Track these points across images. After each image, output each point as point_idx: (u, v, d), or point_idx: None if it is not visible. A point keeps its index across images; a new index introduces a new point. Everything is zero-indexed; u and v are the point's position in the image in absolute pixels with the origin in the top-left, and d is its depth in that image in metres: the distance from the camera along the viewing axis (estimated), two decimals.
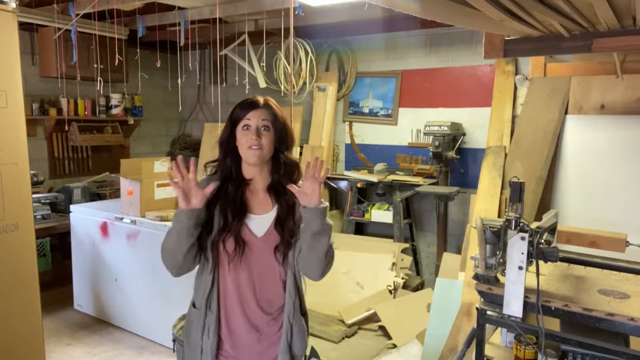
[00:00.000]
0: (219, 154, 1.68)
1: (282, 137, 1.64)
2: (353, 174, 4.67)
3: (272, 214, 1.64)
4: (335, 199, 5.08)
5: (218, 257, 1.62)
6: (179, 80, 4.40)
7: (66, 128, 4.76)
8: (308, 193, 1.51)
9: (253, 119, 1.59)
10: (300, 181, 1.68)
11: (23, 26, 4.26)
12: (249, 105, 1.62)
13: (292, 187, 1.53)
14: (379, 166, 4.67)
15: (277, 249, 1.61)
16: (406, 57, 4.70)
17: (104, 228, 3.83)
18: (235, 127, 1.62)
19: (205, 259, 1.61)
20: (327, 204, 1.55)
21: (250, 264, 1.61)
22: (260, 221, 1.63)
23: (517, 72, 3.90)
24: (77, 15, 4.04)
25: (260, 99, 1.64)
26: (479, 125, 4.29)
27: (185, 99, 5.92)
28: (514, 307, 1.66)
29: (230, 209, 1.59)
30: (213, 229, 1.59)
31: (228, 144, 1.64)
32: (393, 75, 4.77)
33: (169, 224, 1.59)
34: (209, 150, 5.28)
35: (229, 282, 1.62)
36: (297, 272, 1.66)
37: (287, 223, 1.62)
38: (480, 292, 1.79)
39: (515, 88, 3.84)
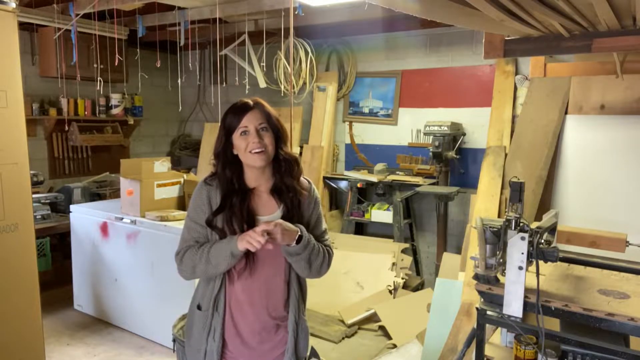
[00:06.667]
0: (216, 167, 1.63)
1: (279, 134, 1.61)
2: (353, 174, 4.67)
3: (277, 214, 1.62)
4: (335, 199, 5.08)
5: None
6: (179, 80, 4.40)
7: (66, 128, 4.76)
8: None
9: (250, 123, 1.56)
10: (301, 179, 1.69)
11: (23, 26, 4.26)
12: (240, 109, 1.57)
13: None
14: (379, 166, 4.67)
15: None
16: (406, 57, 4.70)
17: (104, 228, 3.83)
18: (231, 135, 1.57)
19: None
20: (296, 237, 1.53)
21: (259, 268, 1.61)
22: None
23: (517, 72, 3.90)
24: (77, 15, 4.04)
25: (250, 101, 1.60)
26: (479, 125, 4.29)
27: (185, 99, 5.91)
28: (514, 307, 1.66)
29: (236, 220, 1.56)
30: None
31: (225, 155, 1.59)
32: (393, 75, 4.77)
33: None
34: (209, 151, 5.26)
35: (236, 286, 1.61)
36: None
37: (293, 220, 1.59)
38: (480, 292, 1.79)
39: (515, 88, 3.83)
